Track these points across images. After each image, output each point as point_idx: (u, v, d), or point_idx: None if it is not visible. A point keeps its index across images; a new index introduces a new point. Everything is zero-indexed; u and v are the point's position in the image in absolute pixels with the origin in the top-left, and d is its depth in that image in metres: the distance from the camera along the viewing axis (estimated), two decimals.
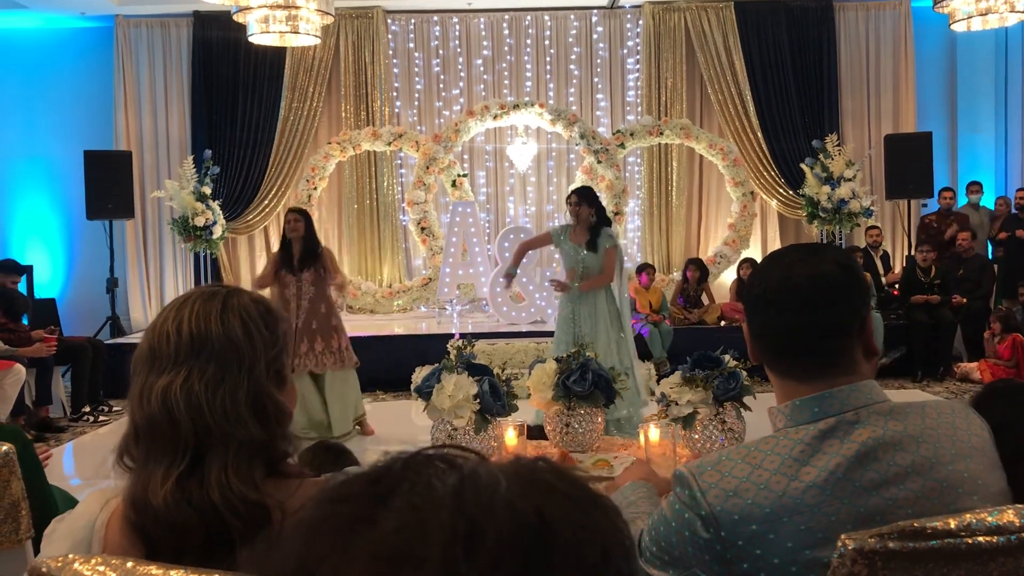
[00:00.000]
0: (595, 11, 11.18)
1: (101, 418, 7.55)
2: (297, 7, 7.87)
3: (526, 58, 11.23)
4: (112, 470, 1.34)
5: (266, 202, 10.86)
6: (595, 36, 11.23)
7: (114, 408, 7.82)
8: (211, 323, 1.29)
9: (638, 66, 11.17)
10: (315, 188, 10.46)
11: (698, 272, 9.52)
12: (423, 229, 10.29)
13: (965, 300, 8.87)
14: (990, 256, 9.98)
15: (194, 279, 10.84)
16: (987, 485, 1.37)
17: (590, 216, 5.98)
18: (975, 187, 10.26)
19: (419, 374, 4.30)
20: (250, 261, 11.25)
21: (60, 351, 7.32)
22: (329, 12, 8.16)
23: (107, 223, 9.85)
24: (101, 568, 1.19)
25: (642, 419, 5.12)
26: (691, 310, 9.33)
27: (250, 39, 8.44)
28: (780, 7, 10.92)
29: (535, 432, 4.68)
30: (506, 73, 11.22)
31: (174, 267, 11.09)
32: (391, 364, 7.97)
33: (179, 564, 1.16)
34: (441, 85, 11.21)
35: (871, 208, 9.95)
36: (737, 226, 10.51)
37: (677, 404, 4.10)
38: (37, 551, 2.56)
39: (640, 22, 11.10)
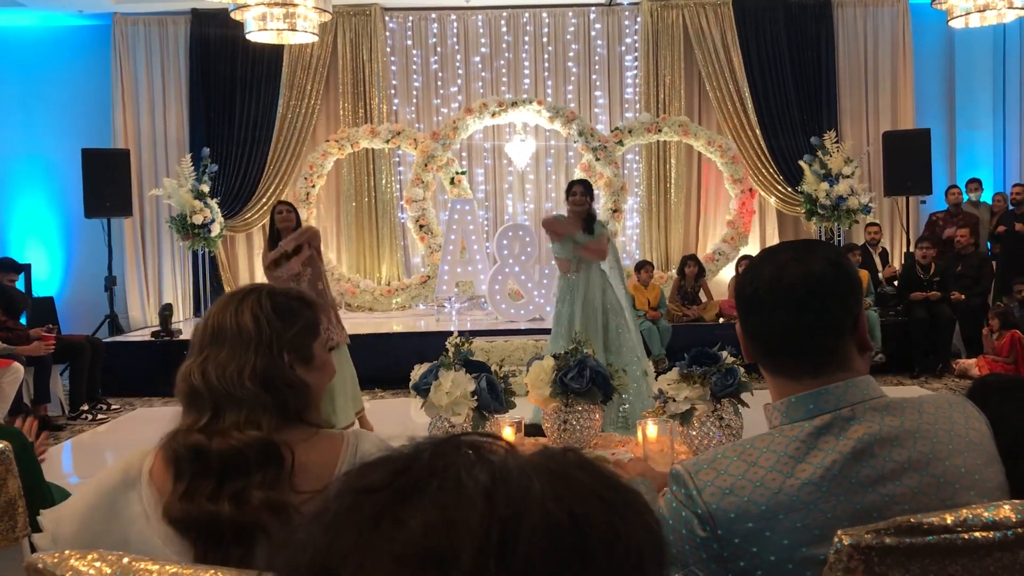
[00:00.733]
0: (593, 8, 11.17)
1: (99, 416, 7.55)
2: (295, 4, 7.86)
3: (524, 55, 11.22)
4: None
5: (264, 200, 10.85)
6: (593, 33, 11.22)
7: (112, 406, 7.81)
8: (226, 317, 1.56)
9: (636, 63, 11.16)
10: (313, 186, 10.46)
11: (696, 268, 9.52)
12: (421, 227, 10.29)
13: (964, 297, 8.87)
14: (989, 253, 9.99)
15: (192, 277, 10.85)
16: (985, 480, 1.37)
17: (588, 206, 6.05)
18: (974, 184, 10.27)
19: (417, 372, 4.31)
20: (248, 259, 11.24)
21: (58, 349, 7.31)
22: (327, 9, 8.15)
23: (105, 221, 9.84)
24: (97, 564, 1.19)
25: (639, 415, 5.12)
26: (689, 307, 9.34)
27: (248, 37, 8.43)
28: (778, 4, 10.92)
29: (533, 430, 4.68)
30: (504, 70, 11.21)
31: (172, 265, 11.08)
32: (390, 362, 7.98)
33: (199, 485, 1.42)
34: (439, 83, 11.20)
35: (869, 205, 9.95)
36: (735, 223, 10.51)
37: (675, 400, 4.10)
38: (34, 549, 2.56)
39: (638, 19, 11.10)
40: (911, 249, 9.57)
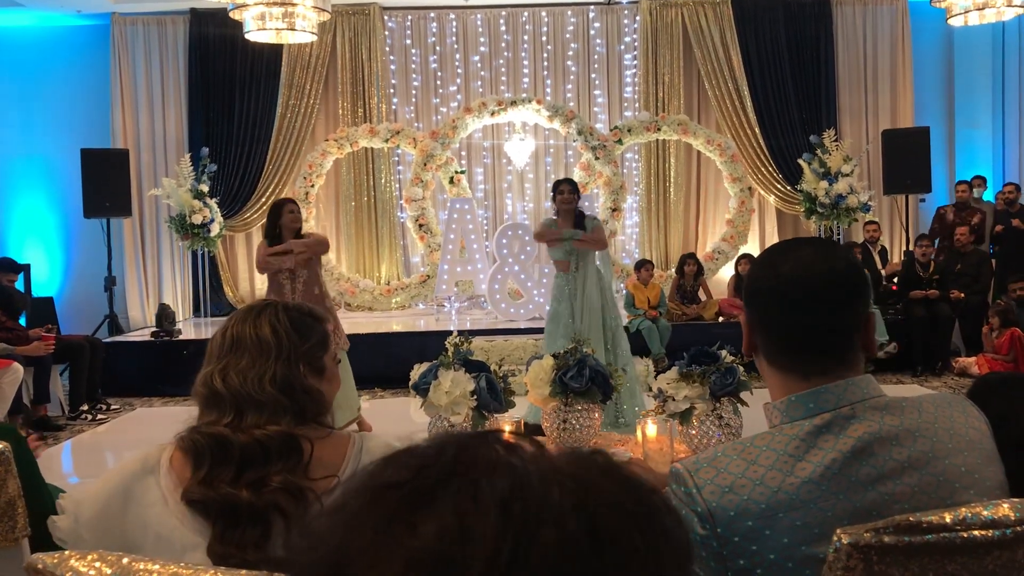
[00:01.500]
0: (592, 7, 11.17)
1: (99, 417, 7.54)
2: (293, 4, 7.86)
3: (523, 54, 11.22)
4: None
5: (263, 199, 10.84)
6: (592, 32, 11.22)
7: (112, 407, 7.81)
8: (245, 329, 1.65)
9: (635, 62, 11.16)
10: (312, 185, 10.46)
11: (695, 267, 9.53)
12: (421, 226, 10.29)
13: (963, 295, 8.88)
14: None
15: (192, 277, 10.85)
16: (984, 479, 1.37)
17: (577, 204, 6.08)
18: (978, 181, 10.28)
19: (417, 371, 4.31)
20: (248, 259, 11.23)
21: (58, 350, 7.31)
22: (325, 9, 8.15)
23: (104, 221, 9.83)
24: (98, 564, 1.19)
25: (638, 415, 5.13)
26: (688, 306, 9.34)
27: (247, 36, 8.43)
28: (777, 3, 10.92)
29: (532, 430, 4.68)
30: (503, 69, 11.21)
31: (172, 265, 11.08)
32: (389, 361, 7.98)
33: (220, 471, 1.50)
34: (438, 82, 11.20)
35: (869, 203, 9.95)
36: (735, 222, 10.51)
37: (674, 399, 4.10)
38: (34, 550, 2.56)
39: (637, 18, 11.10)
40: (910, 247, 9.57)
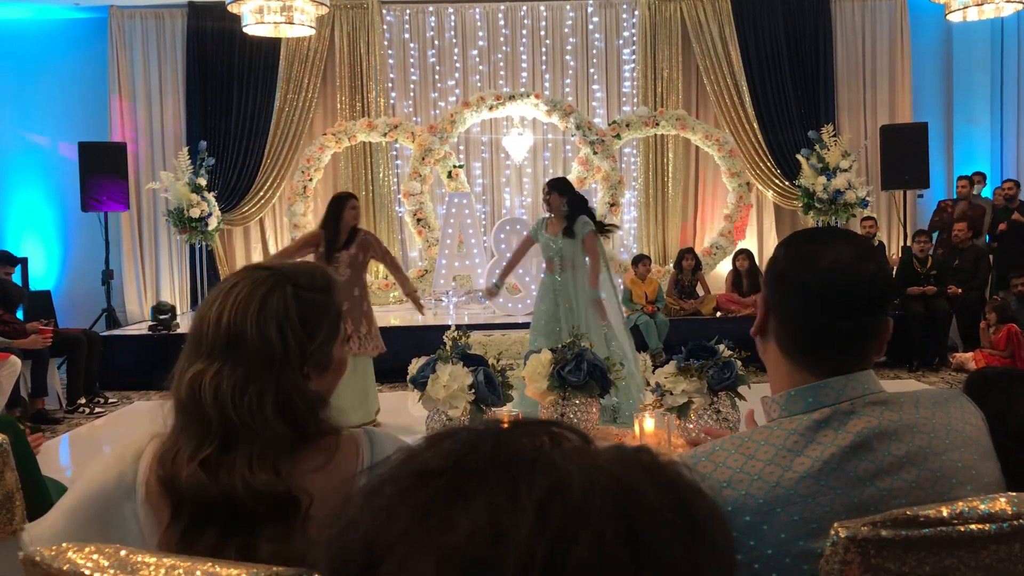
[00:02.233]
0: (591, 1, 11.16)
1: (97, 410, 7.54)
2: None
3: (522, 49, 11.20)
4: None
5: (261, 193, 10.84)
6: (591, 27, 11.20)
7: (110, 400, 7.81)
8: (247, 322, 1.35)
9: (634, 57, 11.15)
10: (310, 179, 10.45)
11: (693, 262, 9.53)
12: (419, 220, 10.28)
13: (961, 291, 8.89)
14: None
15: (190, 271, 10.84)
16: (981, 475, 1.38)
17: (562, 205, 6.01)
18: (978, 177, 10.28)
19: (415, 365, 4.31)
20: (246, 252, 11.23)
21: (56, 343, 7.30)
22: (324, 3, 8.14)
23: (102, 215, 9.82)
24: (95, 556, 1.19)
25: (637, 408, 5.13)
26: (686, 301, 9.34)
27: (245, 30, 8.41)
28: None
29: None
30: (502, 64, 11.19)
31: (170, 259, 11.08)
32: (387, 355, 7.94)
33: (201, 532, 1.28)
34: (436, 76, 11.18)
35: (867, 199, 9.95)
36: (733, 217, 10.51)
37: (672, 394, 4.10)
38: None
39: (636, 13, 11.08)
40: (908, 243, 9.57)
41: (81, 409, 7.48)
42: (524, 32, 11.19)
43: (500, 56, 11.19)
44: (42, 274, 10.81)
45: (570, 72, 11.21)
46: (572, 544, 0.51)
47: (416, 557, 0.52)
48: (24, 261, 9.78)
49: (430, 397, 4.08)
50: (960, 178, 10.17)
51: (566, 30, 11.20)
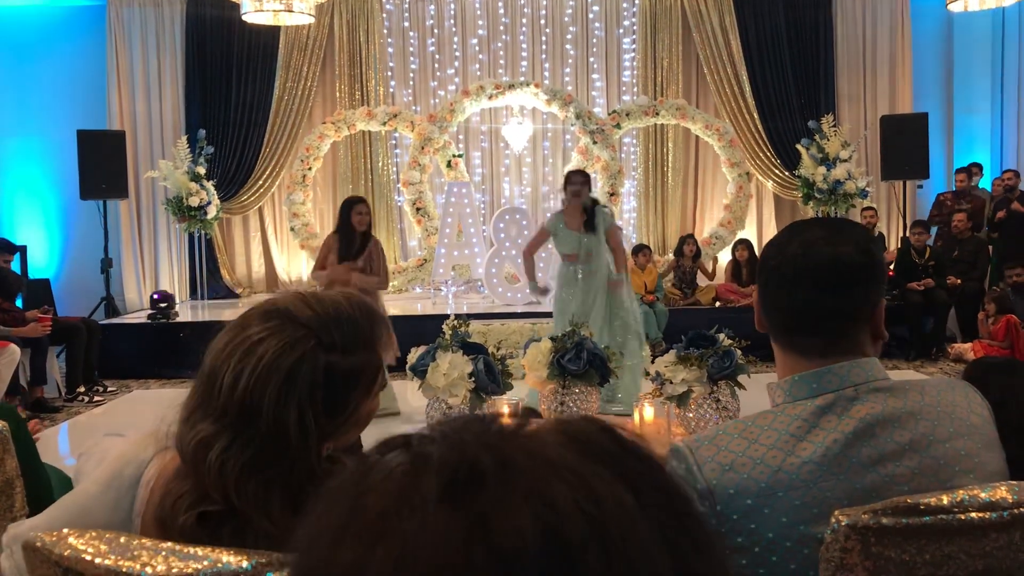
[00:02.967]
0: None
1: (96, 398, 7.54)
2: None
3: (522, 37, 11.17)
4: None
5: (260, 182, 10.82)
6: (591, 16, 11.17)
7: (109, 388, 7.82)
8: (265, 399, 1.20)
9: (634, 46, 11.12)
10: (310, 168, 10.43)
11: (694, 248, 9.52)
12: (418, 210, 10.27)
13: (960, 281, 8.89)
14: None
15: (188, 259, 10.82)
16: (984, 464, 1.38)
17: (586, 199, 5.98)
18: (976, 169, 10.28)
19: (415, 354, 4.31)
20: (245, 241, 11.22)
21: (55, 331, 7.30)
22: None
23: (101, 203, 9.81)
24: (95, 542, 1.19)
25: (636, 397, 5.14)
26: (686, 290, 9.33)
27: (244, 18, 8.39)
28: None
29: (529, 414, 4.67)
30: (501, 53, 11.17)
31: (168, 247, 11.06)
32: None
33: None
34: (436, 64, 11.15)
35: (867, 189, 9.94)
36: (732, 207, 10.50)
37: (672, 383, 4.11)
38: None
39: (636, 2, 11.05)
40: (907, 233, 9.57)
41: (80, 397, 7.49)
42: (524, 21, 11.16)
43: (500, 45, 11.16)
44: (41, 262, 10.80)
45: (570, 61, 11.18)
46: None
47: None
48: (23, 249, 9.77)
49: (430, 385, 4.09)
50: (958, 171, 10.16)
51: (566, 19, 11.17)
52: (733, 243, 10.14)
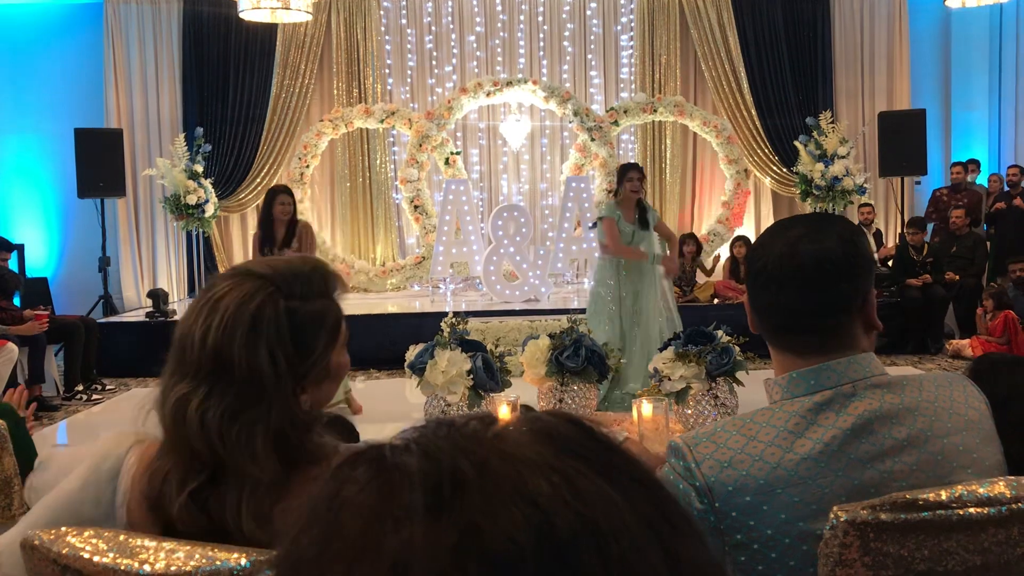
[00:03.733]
0: None
1: (94, 397, 7.54)
2: None
3: (519, 34, 11.16)
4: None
5: (258, 180, 10.81)
6: (589, 12, 11.16)
7: (107, 387, 7.81)
8: (235, 346, 1.23)
9: (632, 43, 11.12)
10: (307, 166, 10.42)
11: (694, 248, 9.52)
12: (416, 207, 10.26)
13: (958, 277, 8.90)
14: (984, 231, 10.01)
15: (187, 257, 10.81)
16: (982, 459, 1.38)
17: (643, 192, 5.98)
18: (972, 165, 10.28)
19: (413, 351, 4.31)
20: (243, 239, 11.21)
21: (52, 330, 7.30)
22: None
23: (98, 201, 9.79)
24: (94, 540, 1.19)
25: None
26: (685, 288, 9.32)
27: (241, 15, 8.38)
28: None
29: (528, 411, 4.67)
30: (499, 50, 11.16)
31: (166, 245, 11.05)
32: (384, 342, 7.97)
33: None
34: (434, 62, 11.14)
35: (864, 186, 9.94)
36: (730, 203, 10.50)
37: (670, 379, 4.11)
38: None
39: None
40: (903, 232, 9.58)
41: (78, 396, 7.48)
42: (522, 18, 11.15)
43: (497, 42, 11.15)
44: (39, 261, 10.79)
45: (568, 58, 11.18)
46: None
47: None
48: (20, 248, 9.76)
49: (428, 383, 4.09)
50: (954, 164, 10.18)
51: (564, 16, 11.16)
52: (731, 240, 10.14)
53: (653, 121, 10.72)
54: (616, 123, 10.36)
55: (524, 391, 5.29)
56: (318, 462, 1.27)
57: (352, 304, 9.55)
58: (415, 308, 9.46)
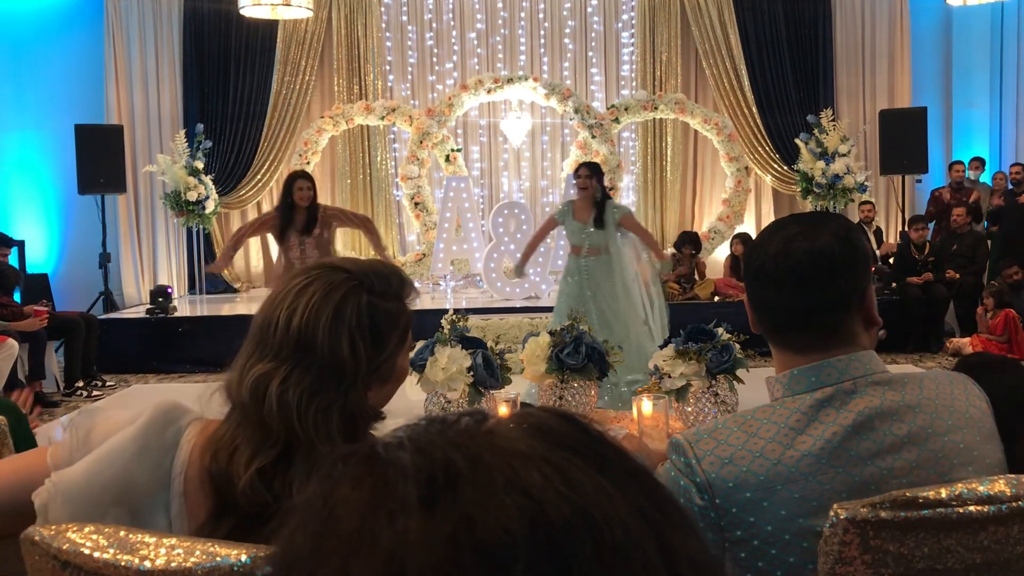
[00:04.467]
0: None
1: (95, 393, 7.55)
2: None
3: (520, 32, 11.15)
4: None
5: (259, 176, 10.81)
6: (589, 10, 11.15)
7: (107, 383, 7.82)
8: (319, 330, 1.29)
9: (633, 40, 11.11)
10: (308, 163, 10.41)
11: (692, 249, 9.51)
12: (417, 204, 10.26)
13: (958, 275, 8.90)
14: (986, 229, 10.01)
15: (187, 254, 10.82)
16: (983, 457, 1.38)
17: (596, 191, 5.97)
18: (976, 163, 10.28)
19: (413, 349, 4.30)
20: None
21: (53, 326, 7.30)
22: None
23: (99, 198, 9.79)
24: (95, 536, 1.19)
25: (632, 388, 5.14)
26: (685, 286, 9.32)
27: (242, 12, 8.37)
28: None
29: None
30: (500, 47, 11.15)
31: (167, 242, 11.05)
32: None
33: (248, 535, 1.20)
34: (434, 59, 11.14)
35: (865, 184, 9.94)
36: (731, 201, 10.50)
37: (670, 377, 4.10)
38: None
39: None
40: (906, 228, 9.58)
41: (79, 392, 7.49)
42: (522, 15, 11.14)
43: (498, 39, 11.14)
44: (39, 257, 10.78)
45: (568, 55, 11.17)
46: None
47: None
48: (21, 244, 9.76)
49: (429, 380, 4.09)
50: (954, 163, 10.18)
51: (564, 13, 11.15)
52: (731, 237, 10.14)
53: (654, 119, 10.71)
54: (617, 120, 10.35)
55: (524, 388, 5.30)
56: None
57: None
58: (415, 305, 9.44)
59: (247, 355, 1.33)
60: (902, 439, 1.33)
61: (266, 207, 11.13)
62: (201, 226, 10.22)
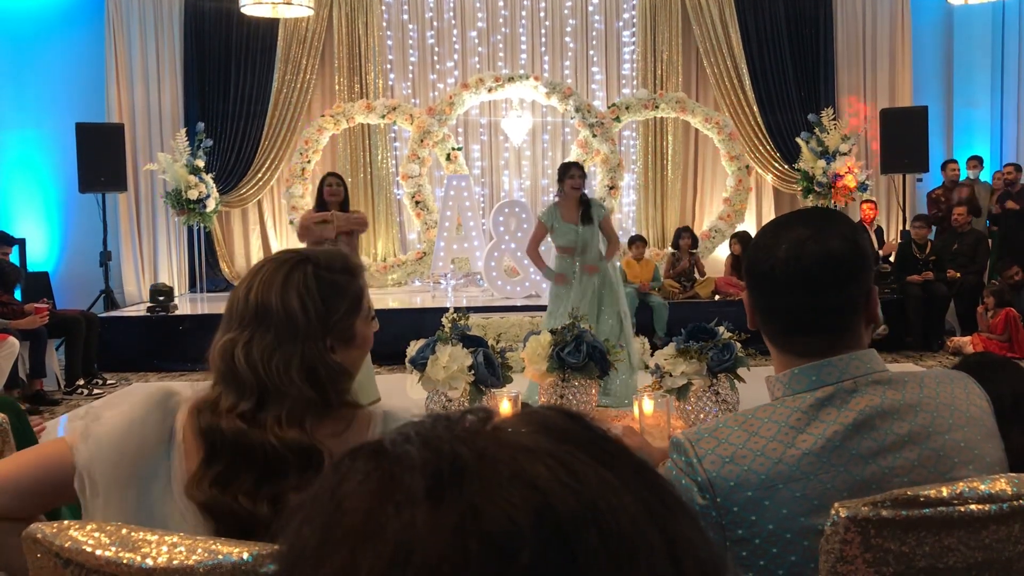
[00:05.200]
0: None
1: (95, 391, 7.55)
2: None
3: (521, 30, 11.15)
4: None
5: (260, 175, 10.81)
6: (590, 8, 11.15)
7: (108, 381, 7.82)
8: (271, 295, 1.49)
9: (634, 39, 11.10)
10: (309, 161, 10.41)
11: (689, 241, 9.50)
12: (417, 203, 10.26)
13: (959, 274, 8.90)
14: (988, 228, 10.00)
15: (188, 252, 10.83)
16: (983, 455, 1.38)
17: (584, 190, 6.03)
18: (975, 162, 10.28)
19: (414, 347, 4.31)
20: (244, 234, 11.21)
21: (53, 324, 7.30)
22: None
23: (100, 196, 9.79)
24: (96, 534, 1.19)
25: (635, 389, 5.14)
26: (685, 284, 9.32)
27: (243, 10, 8.37)
28: None
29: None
30: (501, 45, 11.14)
31: (167, 240, 11.05)
32: (386, 338, 7.89)
33: (236, 476, 1.39)
34: (435, 57, 11.13)
35: (866, 182, 9.94)
36: (732, 200, 10.49)
37: (671, 375, 4.11)
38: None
39: None
40: (907, 227, 9.58)
41: (80, 390, 7.49)
42: (523, 13, 11.13)
43: (499, 38, 11.13)
44: (40, 255, 10.78)
45: (569, 54, 11.16)
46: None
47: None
48: (22, 242, 9.76)
49: (430, 378, 4.09)
50: (948, 161, 10.17)
51: (565, 11, 11.14)
52: (730, 236, 10.14)
53: (655, 117, 10.71)
54: (618, 119, 10.35)
55: (525, 387, 5.30)
56: (349, 408, 1.52)
57: None
58: (416, 304, 9.46)
59: (219, 332, 1.54)
60: (903, 438, 1.33)
61: (267, 206, 11.16)
62: (202, 224, 10.21)
